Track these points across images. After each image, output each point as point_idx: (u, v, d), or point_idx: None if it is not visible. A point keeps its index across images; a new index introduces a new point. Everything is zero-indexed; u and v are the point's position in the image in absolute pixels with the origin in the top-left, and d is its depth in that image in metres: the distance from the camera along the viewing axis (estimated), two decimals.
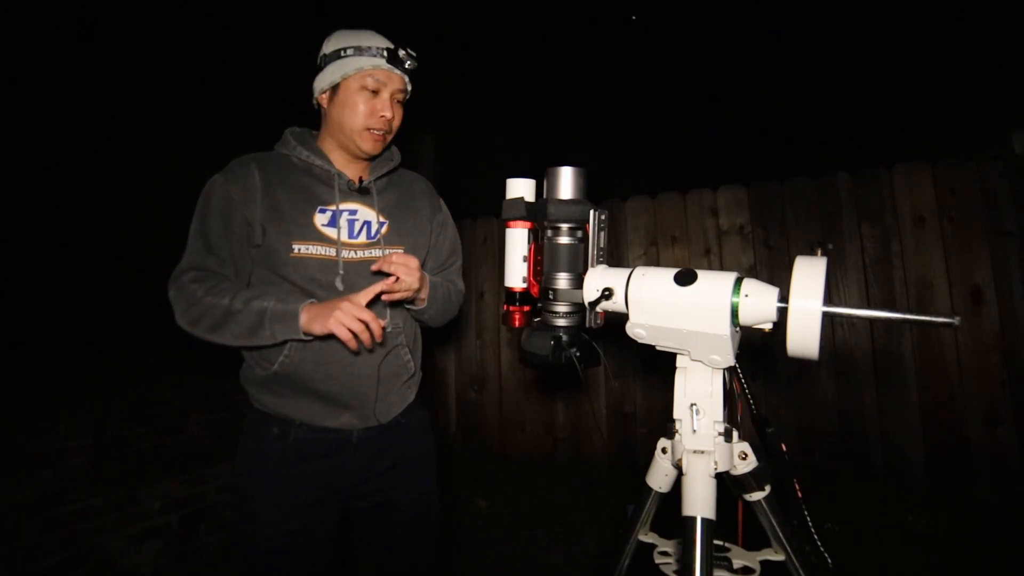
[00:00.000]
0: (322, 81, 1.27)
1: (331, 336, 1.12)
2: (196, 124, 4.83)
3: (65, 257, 4.51)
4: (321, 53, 1.28)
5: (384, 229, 1.31)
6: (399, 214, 1.36)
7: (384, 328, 1.23)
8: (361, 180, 1.31)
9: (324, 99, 1.29)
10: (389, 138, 1.31)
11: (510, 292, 1.06)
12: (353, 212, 1.28)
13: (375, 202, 1.32)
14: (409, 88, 1.32)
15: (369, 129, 1.25)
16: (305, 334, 1.14)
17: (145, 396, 2.74)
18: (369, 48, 1.23)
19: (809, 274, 0.77)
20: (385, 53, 1.24)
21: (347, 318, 1.08)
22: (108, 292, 4.33)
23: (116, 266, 4.66)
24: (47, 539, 2.02)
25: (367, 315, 1.10)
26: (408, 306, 1.32)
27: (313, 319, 1.12)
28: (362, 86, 1.24)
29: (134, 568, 2.24)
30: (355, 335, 1.09)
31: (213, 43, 4.91)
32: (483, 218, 3.73)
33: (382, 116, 1.25)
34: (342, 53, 1.24)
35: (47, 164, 4.62)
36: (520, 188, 1.06)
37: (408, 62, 1.26)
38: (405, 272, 1.17)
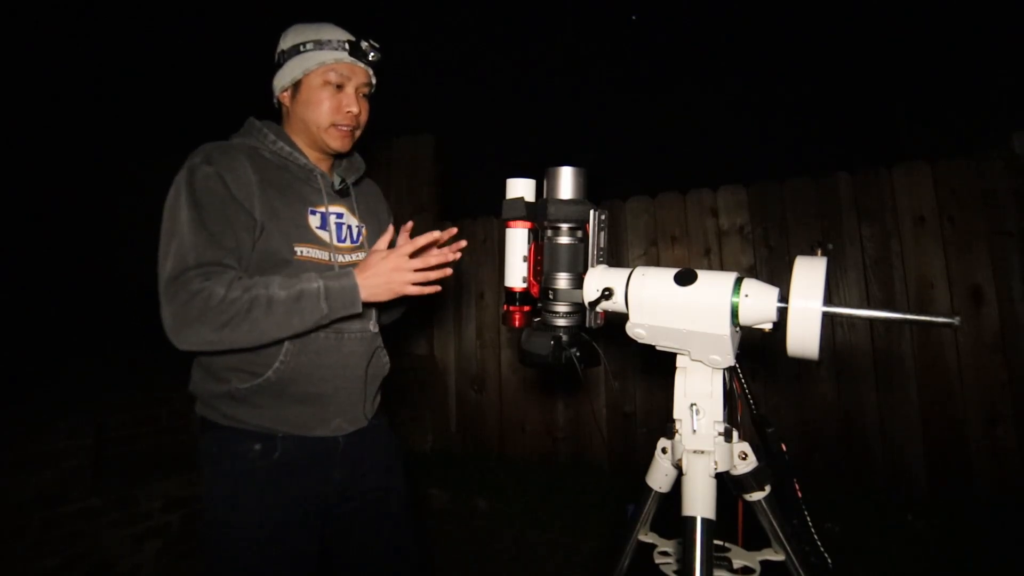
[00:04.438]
0: (283, 79, 1.22)
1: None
2: (198, 123, 4.83)
3: (65, 257, 4.51)
4: (279, 49, 1.23)
5: (363, 233, 1.32)
6: (370, 219, 1.37)
7: (371, 329, 1.27)
8: (344, 182, 1.29)
9: (286, 97, 1.24)
10: (358, 134, 1.27)
11: (510, 292, 1.06)
12: (340, 215, 1.26)
13: (355, 206, 1.32)
14: (374, 82, 1.27)
15: (336, 125, 1.21)
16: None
17: (145, 396, 2.74)
18: (330, 41, 1.19)
19: (809, 274, 0.77)
20: (347, 46, 1.19)
21: (412, 277, 1.08)
22: (108, 292, 4.33)
23: (116, 266, 4.66)
24: (47, 539, 2.02)
25: (418, 263, 1.09)
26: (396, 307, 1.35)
27: (373, 292, 1.09)
28: (325, 81, 1.19)
29: (134, 568, 2.24)
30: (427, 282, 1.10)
31: (218, 42, 4.91)
32: (483, 218, 3.73)
33: (348, 111, 1.21)
34: (301, 48, 1.19)
35: (47, 165, 4.62)
36: (520, 188, 1.06)
37: (372, 54, 1.21)
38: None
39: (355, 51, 1.20)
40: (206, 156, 1.11)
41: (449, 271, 1.13)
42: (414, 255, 1.10)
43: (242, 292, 1.02)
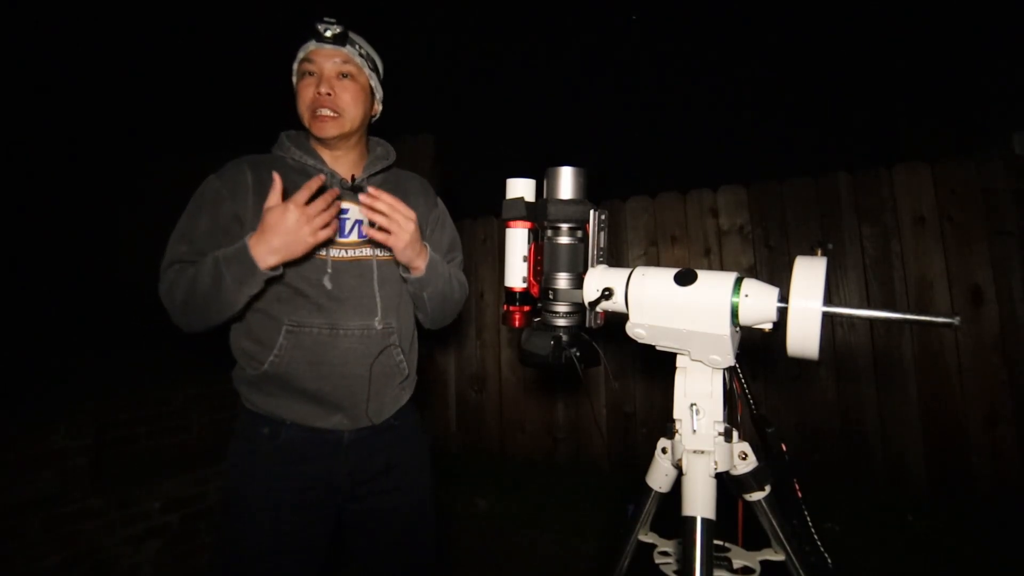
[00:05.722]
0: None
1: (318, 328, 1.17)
2: (198, 125, 4.83)
3: (66, 257, 4.51)
4: None
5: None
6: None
7: (376, 327, 1.25)
8: (354, 178, 1.29)
9: None
10: (345, 121, 1.24)
11: (510, 292, 1.06)
12: (344, 211, 1.26)
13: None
14: (357, 60, 1.24)
15: (313, 112, 1.21)
16: (270, 269, 1.09)
17: (145, 396, 2.74)
18: (306, 38, 1.23)
19: (809, 274, 0.77)
20: (315, 34, 1.21)
21: (318, 222, 1.08)
22: (108, 291, 4.34)
23: (116, 265, 4.67)
24: (47, 539, 2.02)
25: (314, 209, 1.07)
26: (404, 274, 1.27)
27: (271, 252, 1.07)
28: (303, 72, 1.23)
29: (134, 568, 2.24)
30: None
31: (218, 44, 4.91)
32: (483, 218, 3.73)
33: (318, 94, 1.20)
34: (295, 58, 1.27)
35: (48, 164, 4.62)
36: (520, 188, 1.06)
37: (328, 31, 1.19)
38: (399, 219, 1.15)
39: (317, 35, 1.21)
40: (221, 171, 1.24)
41: (334, 211, 1.14)
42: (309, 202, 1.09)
43: (184, 275, 1.14)
